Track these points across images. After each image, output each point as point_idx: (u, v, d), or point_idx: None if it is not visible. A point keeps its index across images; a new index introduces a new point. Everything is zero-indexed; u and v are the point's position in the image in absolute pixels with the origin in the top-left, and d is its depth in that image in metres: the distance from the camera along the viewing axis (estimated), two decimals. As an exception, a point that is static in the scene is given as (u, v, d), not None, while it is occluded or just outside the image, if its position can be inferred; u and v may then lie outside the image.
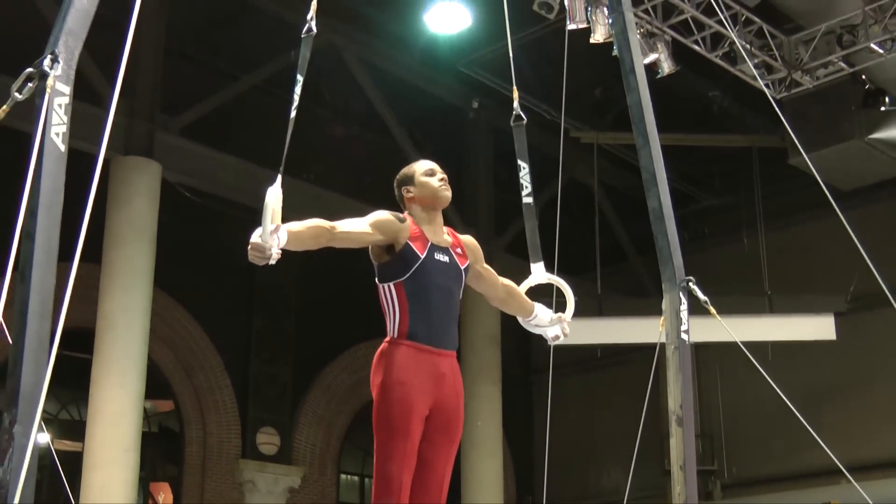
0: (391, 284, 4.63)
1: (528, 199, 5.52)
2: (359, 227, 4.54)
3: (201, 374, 17.48)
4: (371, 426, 4.54)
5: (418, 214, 4.78)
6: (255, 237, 4.10)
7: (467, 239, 4.95)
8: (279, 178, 4.32)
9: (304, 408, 18.54)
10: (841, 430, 16.13)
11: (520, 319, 5.34)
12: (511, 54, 6.63)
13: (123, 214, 14.03)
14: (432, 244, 4.70)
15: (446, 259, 4.73)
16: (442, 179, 4.83)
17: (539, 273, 5.70)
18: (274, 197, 4.19)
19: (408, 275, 4.61)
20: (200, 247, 17.40)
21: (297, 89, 4.66)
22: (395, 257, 4.61)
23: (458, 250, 4.83)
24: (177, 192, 15.37)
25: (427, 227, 4.74)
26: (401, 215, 4.71)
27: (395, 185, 4.90)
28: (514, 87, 5.69)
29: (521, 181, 5.48)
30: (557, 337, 5.29)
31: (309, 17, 4.77)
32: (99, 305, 13.90)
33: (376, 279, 4.70)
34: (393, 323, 4.62)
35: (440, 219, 4.84)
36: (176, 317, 17.19)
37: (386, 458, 4.49)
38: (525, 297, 5.33)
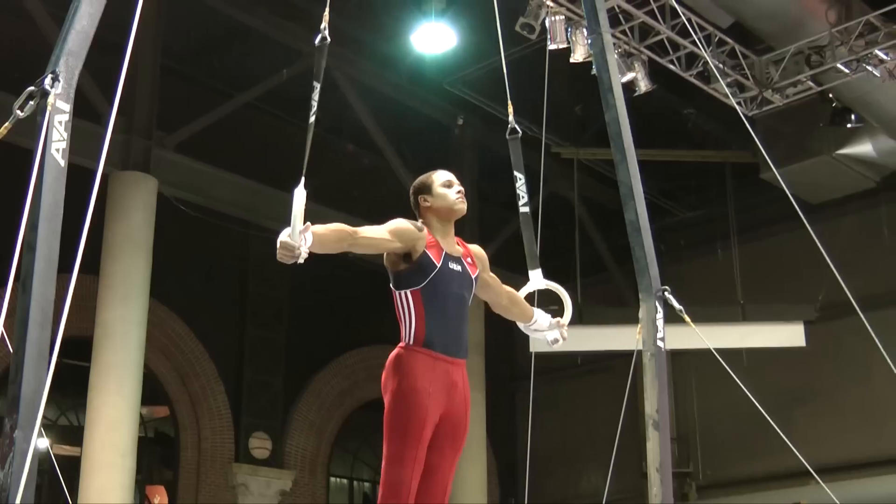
0: (408, 292, 4.63)
1: (524, 209, 5.52)
2: (380, 234, 4.53)
3: (196, 382, 17.55)
4: (375, 426, 4.51)
5: (433, 224, 4.78)
6: (285, 236, 4.11)
7: (476, 248, 4.98)
8: (303, 180, 4.36)
9: (295, 414, 18.63)
10: (810, 433, 16.30)
11: (520, 325, 5.39)
12: (505, 70, 6.77)
13: (121, 227, 14.07)
14: (447, 253, 4.71)
15: (459, 268, 4.74)
16: (459, 192, 4.84)
17: (537, 279, 5.80)
18: (300, 198, 4.22)
19: (425, 283, 4.61)
20: (196, 259, 17.53)
21: (315, 96, 4.65)
22: (413, 265, 4.61)
23: (469, 259, 4.85)
24: (173, 206, 15.41)
25: (441, 237, 4.75)
26: (419, 224, 4.71)
27: (411, 192, 4.89)
28: (510, 103, 5.80)
29: (518, 191, 5.43)
30: (557, 340, 5.32)
31: (322, 26, 4.70)
32: (97, 315, 13.93)
33: (391, 285, 4.69)
34: (409, 330, 4.62)
35: (453, 229, 4.85)
36: (172, 326, 17.26)
37: (396, 462, 4.47)
38: (526, 303, 5.41)
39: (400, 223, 4.61)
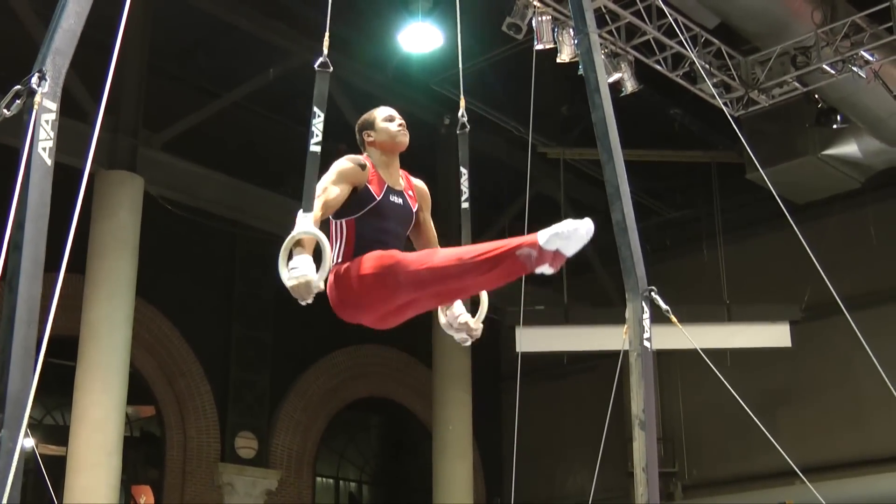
0: (343, 221, 4.73)
1: (465, 205, 5.35)
2: (336, 191, 4.64)
3: (182, 381, 17.54)
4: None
5: (377, 157, 4.86)
6: (295, 280, 4.34)
7: (419, 184, 5.06)
8: (311, 216, 4.46)
9: (281, 413, 18.64)
10: (796, 433, 16.39)
11: (440, 317, 5.14)
12: (461, 64, 6.70)
13: (107, 226, 14.07)
14: (388, 186, 4.80)
15: (400, 201, 4.84)
16: (401, 125, 4.92)
17: None
18: (305, 228, 4.39)
19: (361, 213, 4.70)
20: (181, 258, 17.51)
21: (316, 122, 4.63)
22: (353, 197, 4.70)
23: (411, 193, 4.95)
24: (159, 205, 15.42)
25: (384, 171, 4.84)
26: (361, 159, 4.79)
27: (356, 129, 4.96)
28: (462, 98, 5.64)
29: (462, 187, 5.31)
30: (465, 340, 5.15)
31: (325, 53, 4.76)
32: (83, 314, 13.92)
33: (331, 215, 4.73)
34: (337, 254, 4.71)
35: (397, 162, 4.93)
36: (157, 325, 17.26)
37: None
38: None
39: (341, 166, 4.71)
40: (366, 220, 4.72)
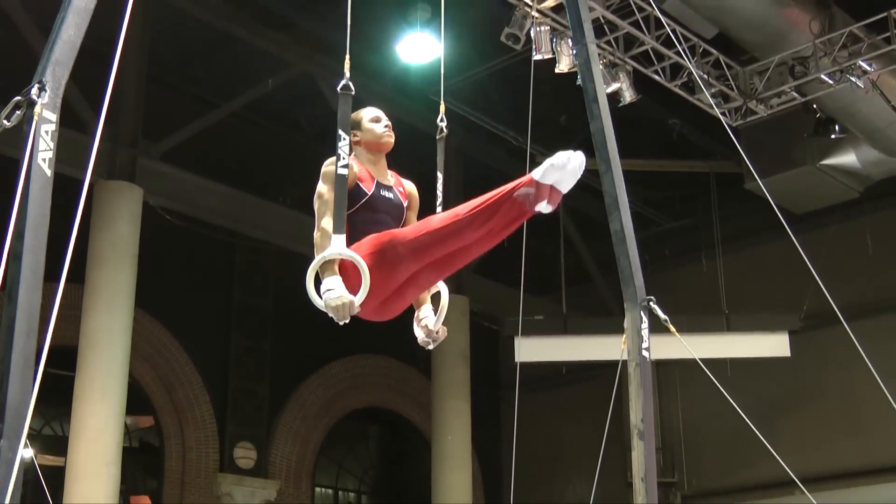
0: None
1: (440, 209, 5.10)
2: (328, 205, 4.67)
3: (181, 391, 17.52)
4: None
5: (363, 156, 4.97)
6: (333, 302, 4.42)
7: (409, 183, 5.14)
8: (343, 238, 4.55)
9: (280, 423, 18.61)
10: (795, 442, 16.40)
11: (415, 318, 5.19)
12: (443, 66, 6.60)
13: (106, 236, 14.05)
14: (378, 182, 4.90)
15: (391, 196, 4.92)
16: (387, 126, 5.02)
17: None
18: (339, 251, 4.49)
19: (354, 209, 4.76)
20: (181, 268, 17.52)
21: (342, 145, 4.70)
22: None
23: (401, 189, 5.03)
24: (158, 215, 15.43)
25: (372, 168, 4.94)
26: (346, 165, 4.76)
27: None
28: (443, 103, 5.55)
29: (437, 191, 5.24)
30: (427, 343, 5.15)
31: (347, 76, 4.86)
32: (82, 324, 13.90)
33: None
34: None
35: (384, 161, 5.03)
36: (157, 335, 17.23)
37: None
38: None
39: (329, 174, 4.75)
40: (359, 214, 4.78)
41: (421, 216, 5.09)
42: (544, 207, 4.39)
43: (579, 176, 4.40)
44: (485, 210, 4.41)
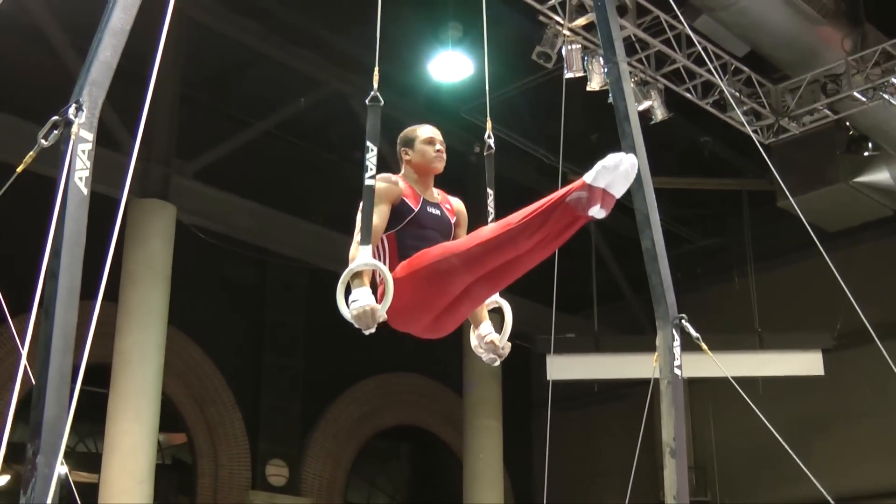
0: (384, 236, 4.77)
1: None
2: (380, 215, 4.68)
3: (213, 408, 17.55)
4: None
5: (411, 175, 4.98)
6: (356, 310, 4.38)
7: (456, 201, 5.14)
8: (370, 248, 4.53)
9: (312, 440, 18.60)
10: (828, 461, 16.00)
11: (472, 336, 5.21)
12: (488, 86, 6.51)
13: (140, 254, 14.09)
14: (424, 199, 4.90)
15: (438, 213, 4.92)
16: (439, 151, 5.02)
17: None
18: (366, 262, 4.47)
19: (400, 226, 4.77)
20: (213, 286, 17.61)
21: (370, 156, 4.68)
22: (391, 212, 4.78)
23: (448, 206, 5.03)
24: (191, 233, 15.50)
25: (418, 186, 4.95)
26: (392, 177, 4.86)
27: (398, 141, 5.09)
28: (489, 119, 5.71)
29: (489, 207, 5.29)
30: (493, 360, 5.14)
31: (375, 87, 4.87)
32: (115, 342, 13.92)
33: None
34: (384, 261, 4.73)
35: (432, 181, 5.04)
36: (189, 353, 17.27)
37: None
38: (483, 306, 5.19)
39: (380, 188, 4.72)
40: (406, 231, 4.78)
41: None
42: (597, 212, 4.31)
43: (632, 179, 4.35)
44: (537, 217, 4.35)
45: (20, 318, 5.35)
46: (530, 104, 16.09)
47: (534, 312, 18.12)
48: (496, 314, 5.26)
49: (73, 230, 4.22)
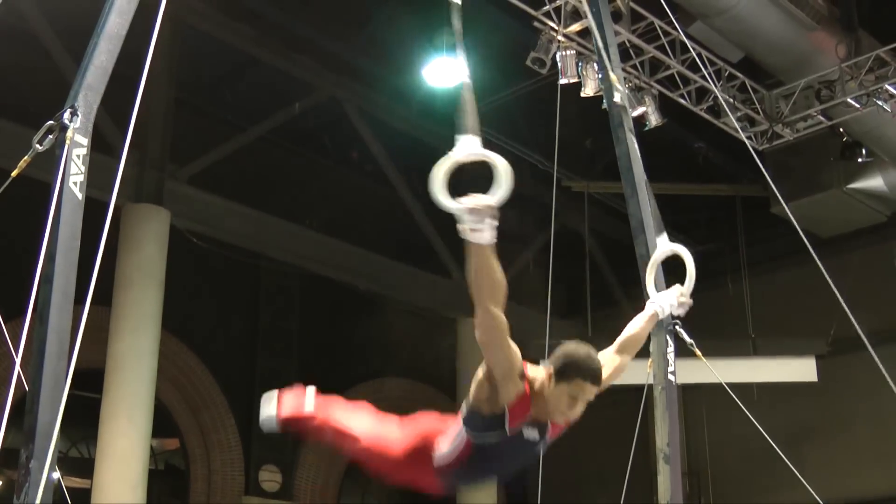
0: (464, 430, 4.30)
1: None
2: (512, 344, 4.09)
3: (206, 414, 17.49)
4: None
5: (539, 390, 4.25)
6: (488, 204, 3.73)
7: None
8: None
9: (305, 446, 18.38)
10: (822, 467, 15.99)
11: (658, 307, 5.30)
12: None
13: (133, 259, 14.06)
14: (531, 418, 4.24)
15: (535, 436, 4.31)
16: (572, 408, 4.30)
17: (664, 244, 5.97)
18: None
19: (482, 439, 4.25)
20: (207, 291, 17.60)
21: (461, 56, 4.37)
22: (489, 414, 4.20)
23: (559, 426, 4.43)
24: (184, 238, 15.47)
25: (536, 402, 4.25)
26: (524, 372, 4.19)
27: (556, 353, 4.32)
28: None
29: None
30: (685, 309, 5.37)
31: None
32: (109, 347, 13.88)
33: (463, 412, 4.33)
34: (451, 454, 4.38)
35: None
36: (182, 358, 17.21)
37: None
38: (633, 332, 5.16)
39: (518, 363, 4.15)
40: (481, 448, 4.28)
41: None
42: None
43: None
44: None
45: (14, 322, 5.34)
46: (525, 110, 16.10)
47: (527, 318, 18.11)
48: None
49: (68, 235, 4.23)
